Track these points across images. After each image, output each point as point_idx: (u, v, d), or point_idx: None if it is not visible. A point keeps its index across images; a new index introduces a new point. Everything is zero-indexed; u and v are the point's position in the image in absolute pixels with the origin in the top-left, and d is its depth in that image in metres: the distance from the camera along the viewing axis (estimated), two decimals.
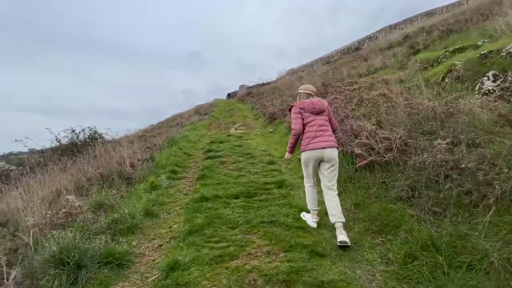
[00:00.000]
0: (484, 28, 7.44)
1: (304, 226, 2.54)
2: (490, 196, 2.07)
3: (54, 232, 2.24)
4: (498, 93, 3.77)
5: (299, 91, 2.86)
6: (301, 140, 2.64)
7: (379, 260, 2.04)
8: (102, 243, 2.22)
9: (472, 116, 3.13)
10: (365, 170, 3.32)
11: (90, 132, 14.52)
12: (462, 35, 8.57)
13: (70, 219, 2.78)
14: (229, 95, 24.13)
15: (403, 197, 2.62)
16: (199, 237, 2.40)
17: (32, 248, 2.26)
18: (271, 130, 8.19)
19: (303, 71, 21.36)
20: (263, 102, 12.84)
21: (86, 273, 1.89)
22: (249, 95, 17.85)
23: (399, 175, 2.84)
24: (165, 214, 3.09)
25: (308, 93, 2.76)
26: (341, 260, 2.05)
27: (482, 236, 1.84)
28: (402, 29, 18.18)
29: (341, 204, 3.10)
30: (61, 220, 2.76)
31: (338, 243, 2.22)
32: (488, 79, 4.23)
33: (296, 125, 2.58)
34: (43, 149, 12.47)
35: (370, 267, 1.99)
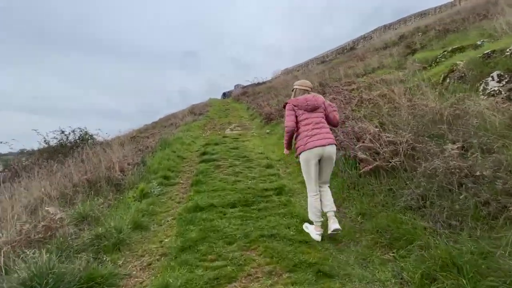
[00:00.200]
0: (482, 28, 7.36)
1: (308, 240, 2.33)
2: (511, 208, 1.90)
3: (28, 252, 1.97)
4: (505, 94, 3.62)
5: (294, 86, 2.74)
6: (298, 140, 2.53)
7: (393, 280, 1.85)
8: (82, 263, 1.97)
9: (482, 118, 2.97)
10: (370, 176, 3.13)
11: (81, 133, 14.01)
12: (459, 35, 8.50)
13: (49, 233, 2.51)
14: (224, 95, 23.84)
15: (413, 207, 2.44)
16: (193, 254, 2.17)
17: (3, 271, 1.99)
18: (267, 131, 7.98)
19: (298, 71, 21.24)
20: (258, 102, 12.61)
21: None
22: (244, 95, 17.61)
23: (407, 182, 2.65)
24: (155, 225, 2.84)
25: (304, 89, 2.64)
26: (351, 281, 1.85)
27: (507, 254, 1.67)
28: (396, 29, 18.24)
29: (345, 213, 2.93)
30: (39, 236, 2.49)
31: (332, 231, 2.31)
32: (493, 80, 4.09)
33: (288, 122, 2.54)
34: (31, 150, 11.97)
35: None
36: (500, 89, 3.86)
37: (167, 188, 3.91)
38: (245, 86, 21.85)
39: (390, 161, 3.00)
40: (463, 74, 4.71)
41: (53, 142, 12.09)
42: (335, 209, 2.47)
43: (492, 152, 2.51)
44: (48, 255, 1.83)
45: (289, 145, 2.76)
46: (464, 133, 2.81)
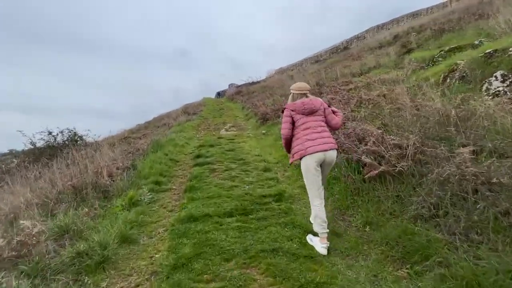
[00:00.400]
0: (479, 27, 7.33)
1: (313, 255, 2.13)
2: None
3: None
4: (511, 94, 3.51)
5: (291, 91, 2.65)
6: (297, 144, 2.43)
7: None
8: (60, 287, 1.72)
9: (491, 120, 2.83)
10: (375, 181, 2.96)
11: (69, 134, 13.51)
12: (455, 34, 8.47)
13: (24, 251, 2.24)
14: (218, 94, 23.54)
15: (425, 216, 2.27)
16: (187, 273, 1.94)
17: None
18: (263, 131, 7.77)
19: (292, 70, 21.15)
20: (253, 102, 12.40)
21: None
22: (238, 94, 17.38)
23: (417, 189, 2.49)
24: (145, 238, 2.60)
25: (301, 93, 2.56)
26: None
27: None
28: (389, 29, 18.36)
29: (350, 222, 2.75)
30: (13, 253, 2.22)
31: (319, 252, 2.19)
32: (496, 79, 3.98)
33: (283, 129, 2.50)
34: (15, 152, 11.43)
35: None
36: (505, 89, 3.75)
37: (158, 195, 3.66)
38: (239, 86, 21.65)
39: (396, 165, 2.84)
40: (464, 74, 4.60)
41: (39, 144, 11.58)
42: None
43: (506, 156, 2.37)
44: (17, 282, 1.58)
45: (289, 149, 2.63)
46: (474, 136, 2.66)
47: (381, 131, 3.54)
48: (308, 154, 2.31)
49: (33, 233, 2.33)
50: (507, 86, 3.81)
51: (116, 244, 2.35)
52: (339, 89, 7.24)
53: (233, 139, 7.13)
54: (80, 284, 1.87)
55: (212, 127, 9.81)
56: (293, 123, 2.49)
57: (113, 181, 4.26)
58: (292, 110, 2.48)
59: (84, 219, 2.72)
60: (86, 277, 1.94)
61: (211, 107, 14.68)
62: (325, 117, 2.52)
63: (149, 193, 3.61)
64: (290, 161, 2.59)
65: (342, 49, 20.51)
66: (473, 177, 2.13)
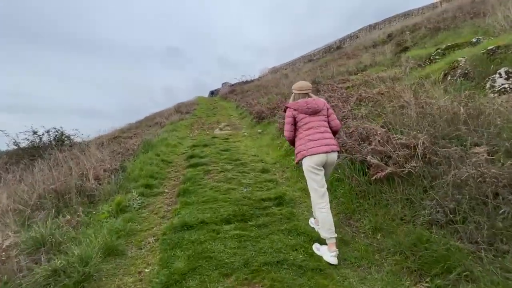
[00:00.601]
0: (476, 25, 7.29)
1: (321, 267, 1.93)
2: None
3: None
4: None
5: (293, 91, 2.60)
6: (299, 144, 2.39)
7: None
8: None
9: (504, 118, 2.69)
10: (382, 183, 2.78)
11: (56, 133, 12.93)
12: (451, 33, 8.45)
13: None
14: (212, 93, 23.19)
15: (440, 222, 2.10)
16: None
17: None
18: (259, 131, 7.55)
19: (285, 69, 21.04)
20: (248, 100, 12.17)
21: None
22: (232, 93, 17.13)
23: (430, 192, 2.31)
24: (134, 249, 2.33)
25: (304, 93, 2.52)
26: None
27: None
28: (381, 29, 18.47)
29: (358, 227, 2.56)
30: None
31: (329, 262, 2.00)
32: (501, 76, 3.87)
33: (286, 131, 2.48)
34: None
35: None
36: (511, 86, 3.64)
37: (149, 199, 3.39)
38: (233, 84, 21.41)
39: (405, 166, 2.66)
40: (466, 71, 4.50)
41: (24, 144, 11.03)
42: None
43: None
44: None
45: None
46: (487, 135, 2.51)
47: (385, 129, 3.38)
48: (309, 155, 2.26)
49: (4, 247, 2.04)
50: None
51: (99, 258, 2.08)
52: (336, 87, 7.09)
53: (227, 139, 6.89)
54: None
55: (206, 126, 9.53)
56: (295, 123, 2.45)
57: (100, 184, 3.96)
58: (295, 110, 2.42)
59: (64, 228, 2.43)
60: None
61: (205, 106, 14.37)
62: (327, 117, 2.48)
63: (138, 198, 3.34)
64: (295, 161, 2.46)
65: (335, 48, 20.53)
66: (493, 180, 1.96)
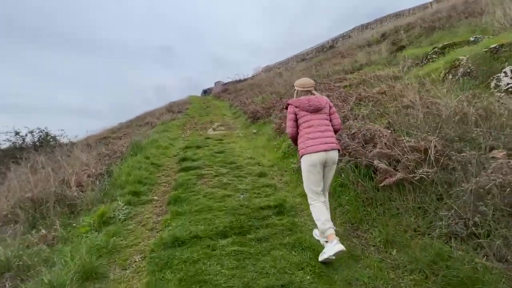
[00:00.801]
0: (472, 24, 7.24)
1: None
2: None
3: None
4: None
5: (295, 88, 2.53)
6: (299, 142, 2.34)
7: None
8: None
9: None
10: (391, 189, 2.58)
11: (40, 134, 12.32)
12: (446, 32, 8.40)
13: None
14: (204, 92, 22.80)
15: (460, 234, 1.90)
16: None
17: None
18: (254, 131, 7.30)
19: (279, 68, 20.90)
20: (242, 100, 11.91)
21: None
22: (225, 92, 16.84)
23: (447, 201, 2.11)
24: (117, 270, 2.05)
25: (307, 90, 2.45)
26: None
27: None
28: (373, 28, 18.55)
29: (367, 239, 2.35)
30: None
31: (336, 253, 1.87)
32: (506, 75, 3.74)
33: (288, 128, 2.42)
34: None
35: None
36: None
37: (136, 209, 3.09)
38: (226, 83, 21.11)
39: (416, 171, 2.46)
40: (469, 70, 4.36)
41: (5, 146, 10.48)
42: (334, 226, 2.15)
43: None
44: None
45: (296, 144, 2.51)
46: (505, 138, 2.33)
47: (390, 131, 3.19)
48: (308, 153, 2.21)
49: None
50: None
51: (76, 284, 1.79)
52: (334, 86, 6.92)
53: (222, 140, 6.61)
54: None
55: (198, 126, 9.21)
56: (296, 120, 2.39)
57: (83, 191, 3.63)
58: (296, 107, 2.36)
59: (36, 248, 2.12)
60: None
61: (197, 105, 14.01)
62: (330, 115, 2.42)
63: (125, 207, 3.03)
64: (299, 158, 2.43)
65: (328, 48, 20.52)
66: None
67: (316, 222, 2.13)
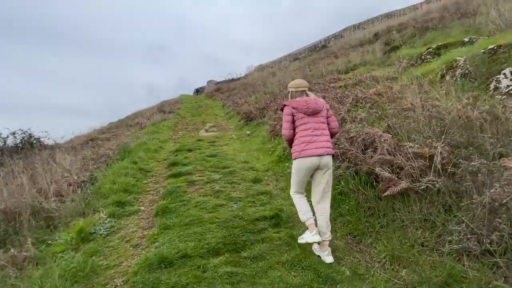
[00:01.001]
0: (466, 25, 7.22)
1: None
2: None
3: None
4: None
5: (289, 89, 2.48)
6: (294, 144, 2.30)
7: None
8: None
9: None
10: (394, 199, 2.42)
11: (23, 136, 11.76)
12: (439, 32, 8.39)
13: None
14: (197, 91, 22.42)
15: (473, 252, 1.75)
16: None
17: None
18: (248, 132, 7.09)
19: (272, 67, 20.77)
20: (235, 99, 11.68)
21: None
22: (218, 91, 16.57)
23: (457, 214, 1.97)
24: None
25: (301, 90, 2.40)
26: None
27: None
28: (365, 28, 18.66)
29: (371, 255, 2.18)
30: None
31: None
32: (506, 77, 3.66)
33: (284, 130, 2.35)
34: None
35: None
36: None
37: (121, 221, 2.84)
38: (218, 82, 20.83)
39: (421, 180, 2.32)
40: (467, 71, 4.27)
41: None
42: (331, 236, 2.20)
43: None
44: None
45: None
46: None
47: (390, 135, 3.04)
48: (301, 157, 2.19)
49: None
50: None
51: None
52: (329, 86, 6.78)
53: (214, 142, 6.38)
54: None
55: (190, 127, 8.94)
56: (293, 121, 2.33)
57: (63, 201, 3.35)
58: (294, 108, 2.29)
59: (2, 273, 1.85)
60: None
61: (189, 104, 13.70)
62: (327, 118, 2.38)
63: (108, 220, 2.78)
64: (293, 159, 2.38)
65: (321, 47, 20.53)
66: None
67: (300, 211, 2.27)
